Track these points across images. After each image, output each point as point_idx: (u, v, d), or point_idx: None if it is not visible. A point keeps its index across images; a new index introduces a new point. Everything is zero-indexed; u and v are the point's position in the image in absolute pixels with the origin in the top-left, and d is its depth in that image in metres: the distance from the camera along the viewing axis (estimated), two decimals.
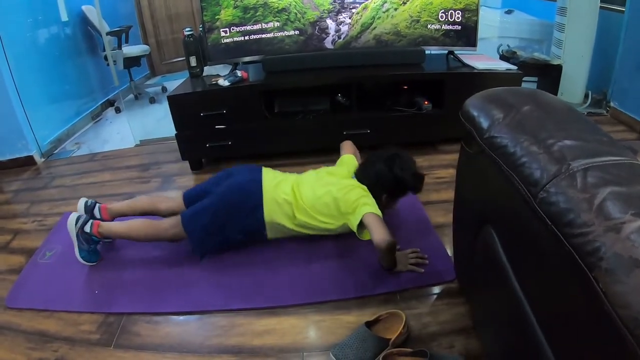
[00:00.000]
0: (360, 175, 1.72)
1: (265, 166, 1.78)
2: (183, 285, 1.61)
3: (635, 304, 0.52)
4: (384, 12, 2.48)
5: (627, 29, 2.73)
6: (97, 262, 1.74)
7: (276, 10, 2.44)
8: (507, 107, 0.94)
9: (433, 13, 2.47)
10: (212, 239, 1.65)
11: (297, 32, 2.50)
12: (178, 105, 2.39)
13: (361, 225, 1.53)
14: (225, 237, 1.66)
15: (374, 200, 1.60)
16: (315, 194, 1.65)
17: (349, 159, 1.86)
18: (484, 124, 0.95)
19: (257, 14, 2.44)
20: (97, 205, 1.84)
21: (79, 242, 1.69)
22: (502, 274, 0.93)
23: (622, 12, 2.77)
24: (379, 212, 1.54)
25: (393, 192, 1.70)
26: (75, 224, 1.68)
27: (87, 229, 1.68)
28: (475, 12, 2.46)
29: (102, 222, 1.72)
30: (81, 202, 1.83)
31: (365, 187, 1.65)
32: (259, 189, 1.64)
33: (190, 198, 1.76)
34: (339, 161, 1.89)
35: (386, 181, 1.66)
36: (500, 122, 0.91)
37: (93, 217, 1.78)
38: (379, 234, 1.44)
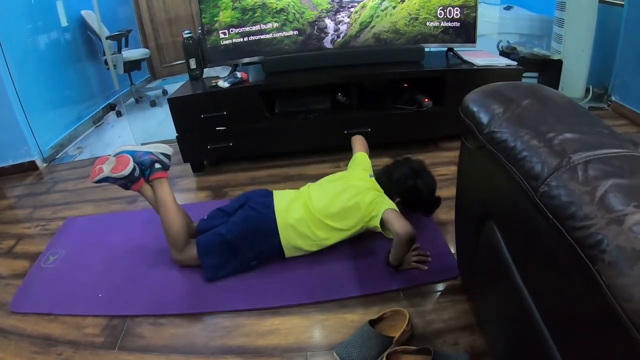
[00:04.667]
0: (382, 172, 1.72)
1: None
2: (186, 286, 1.61)
3: (638, 297, 0.52)
4: (382, 11, 2.48)
5: (627, 22, 2.72)
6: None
7: (274, 10, 2.44)
8: (506, 102, 0.94)
9: (432, 10, 2.46)
10: (227, 267, 1.61)
11: (296, 32, 2.50)
12: (178, 107, 2.39)
13: (383, 224, 1.51)
14: (239, 263, 1.62)
15: (389, 199, 1.58)
16: (329, 202, 1.61)
17: (361, 157, 1.85)
18: (484, 119, 0.95)
19: (256, 15, 2.44)
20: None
21: (109, 179, 1.61)
22: (505, 270, 0.93)
23: (622, 5, 2.76)
24: (396, 207, 1.52)
25: (406, 200, 1.66)
26: (127, 174, 1.60)
27: (129, 185, 1.65)
28: (474, 8, 2.45)
29: (145, 185, 1.68)
30: (130, 165, 1.62)
31: (379, 189, 1.64)
32: (271, 216, 1.60)
33: (203, 228, 1.70)
34: (351, 161, 1.88)
35: (406, 186, 1.64)
36: (500, 116, 0.91)
37: (138, 178, 1.66)
38: (399, 224, 1.44)
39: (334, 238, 1.63)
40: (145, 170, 1.68)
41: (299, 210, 1.61)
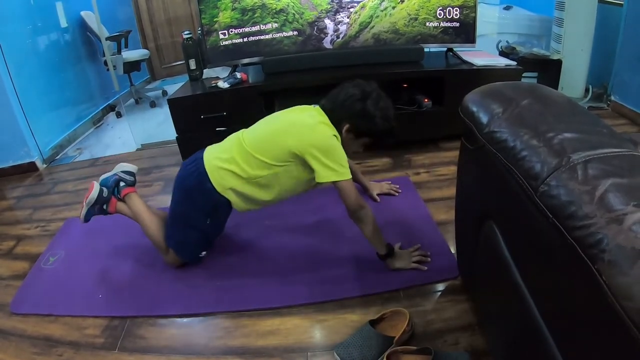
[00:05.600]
0: (327, 97, 1.54)
1: None
2: (187, 287, 1.61)
3: (639, 296, 0.52)
4: (382, 11, 2.48)
5: (626, 22, 2.72)
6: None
7: (274, 11, 2.44)
8: (506, 102, 0.94)
9: (431, 10, 2.46)
10: (189, 237, 1.62)
11: (295, 32, 2.50)
12: (178, 108, 2.39)
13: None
14: (196, 228, 1.61)
15: (342, 149, 1.45)
16: (263, 132, 1.52)
17: None
18: (484, 119, 0.95)
19: (255, 15, 2.44)
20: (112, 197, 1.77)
21: (90, 210, 1.72)
22: (505, 270, 0.93)
23: (621, 5, 2.76)
24: (349, 174, 1.43)
25: (356, 126, 1.48)
26: (96, 200, 1.70)
27: (105, 207, 1.74)
28: (473, 8, 2.45)
29: (119, 204, 1.74)
30: (95, 188, 1.72)
31: (327, 121, 1.48)
32: (200, 166, 1.54)
33: None
34: None
35: (352, 109, 1.46)
36: (500, 116, 0.91)
37: (108, 197, 1.75)
38: (350, 200, 1.41)
39: (268, 176, 1.49)
40: (114, 191, 1.76)
41: (230, 150, 1.53)
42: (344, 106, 1.48)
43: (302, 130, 1.47)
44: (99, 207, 1.73)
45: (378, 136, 1.54)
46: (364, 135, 1.53)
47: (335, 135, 1.46)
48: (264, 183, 1.51)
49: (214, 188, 1.52)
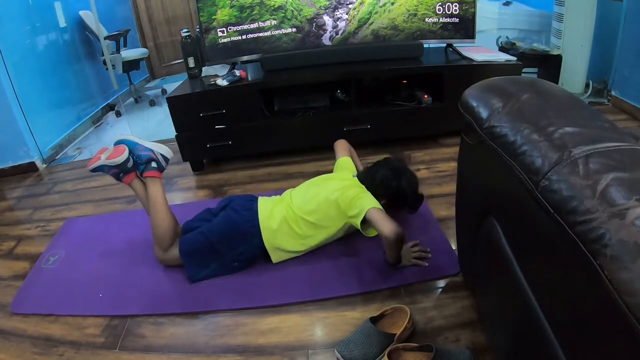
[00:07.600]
0: (364, 175, 1.71)
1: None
2: (186, 285, 1.60)
3: None
4: (380, 7, 2.47)
5: (627, 17, 2.71)
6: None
7: (272, 8, 2.43)
8: (506, 96, 0.93)
9: (430, 6, 2.45)
10: (208, 267, 1.61)
11: (294, 29, 2.49)
12: (177, 106, 2.39)
13: (365, 222, 1.50)
14: (220, 264, 1.62)
15: (372, 197, 1.57)
16: (309, 199, 1.64)
17: (345, 162, 1.87)
18: (483, 113, 0.94)
19: (254, 12, 2.43)
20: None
21: (104, 167, 1.67)
22: (506, 266, 0.93)
23: (621, 0, 2.74)
24: (380, 207, 1.51)
25: (392, 200, 1.67)
26: (118, 165, 1.66)
27: (121, 175, 1.70)
28: (473, 4, 2.44)
29: (136, 180, 1.71)
30: (124, 155, 1.67)
31: (363, 187, 1.64)
32: (254, 219, 1.61)
33: (188, 228, 1.71)
34: (336, 165, 1.89)
35: (389, 188, 1.65)
36: (500, 111, 0.90)
37: (130, 169, 1.70)
38: (386, 226, 1.42)
39: (317, 236, 1.63)
40: (140, 165, 1.69)
41: (281, 212, 1.62)
42: (381, 185, 1.65)
43: (341, 188, 1.61)
44: (116, 172, 1.68)
45: (408, 207, 1.76)
46: (397, 206, 1.72)
47: (362, 188, 1.63)
48: (310, 241, 1.64)
49: (263, 244, 1.60)
